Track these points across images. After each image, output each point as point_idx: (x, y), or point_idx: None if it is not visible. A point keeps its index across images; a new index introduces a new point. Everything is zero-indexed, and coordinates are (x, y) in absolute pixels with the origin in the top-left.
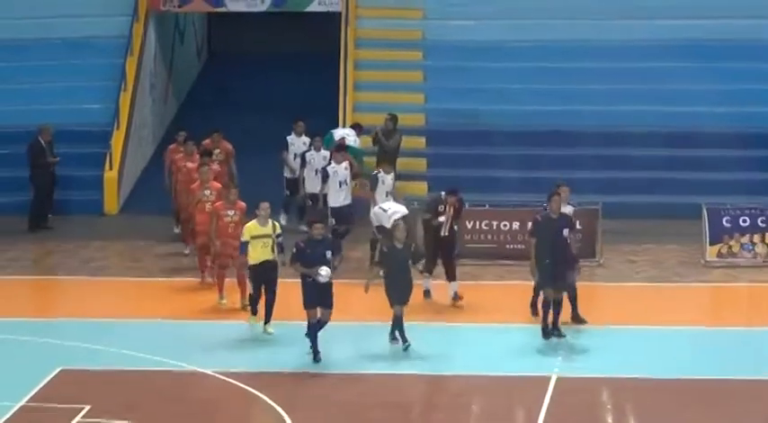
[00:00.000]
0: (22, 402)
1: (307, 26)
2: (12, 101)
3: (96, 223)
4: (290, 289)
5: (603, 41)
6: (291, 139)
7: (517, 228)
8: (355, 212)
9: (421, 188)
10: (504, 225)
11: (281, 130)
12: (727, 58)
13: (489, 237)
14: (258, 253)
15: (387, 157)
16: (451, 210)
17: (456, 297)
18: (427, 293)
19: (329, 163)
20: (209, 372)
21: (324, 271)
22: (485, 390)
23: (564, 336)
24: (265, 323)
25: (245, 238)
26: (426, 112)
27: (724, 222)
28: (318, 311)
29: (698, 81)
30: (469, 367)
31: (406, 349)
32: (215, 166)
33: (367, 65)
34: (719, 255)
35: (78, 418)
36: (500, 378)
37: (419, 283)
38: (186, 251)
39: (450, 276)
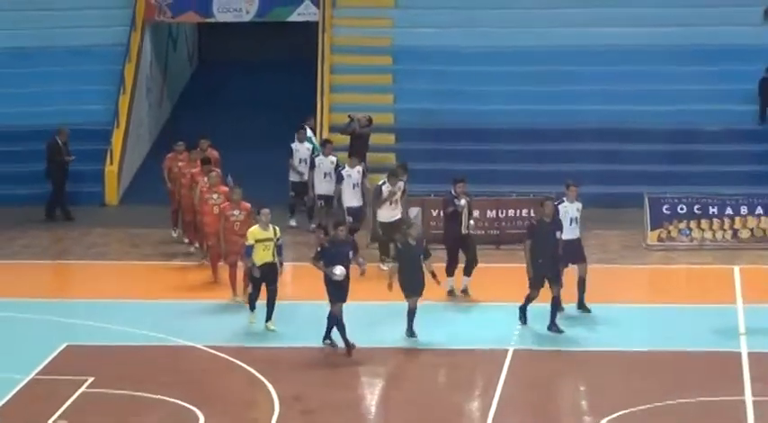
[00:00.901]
0: (32, 375)
1: (287, 34)
2: (22, 103)
3: (98, 213)
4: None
5: (553, 47)
6: (295, 145)
7: (477, 215)
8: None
9: None
10: (476, 212)
11: (265, 129)
12: (671, 62)
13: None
14: (260, 255)
15: (355, 150)
16: (465, 197)
17: (466, 291)
18: (451, 292)
19: (343, 167)
20: (200, 346)
21: (338, 270)
22: (450, 362)
23: (562, 331)
24: (267, 320)
25: (249, 242)
26: (395, 112)
27: (664, 210)
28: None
29: (640, 83)
30: (437, 342)
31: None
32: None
33: (342, 69)
34: (659, 239)
35: (83, 388)
36: (462, 351)
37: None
38: (174, 234)
39: (467, 271)
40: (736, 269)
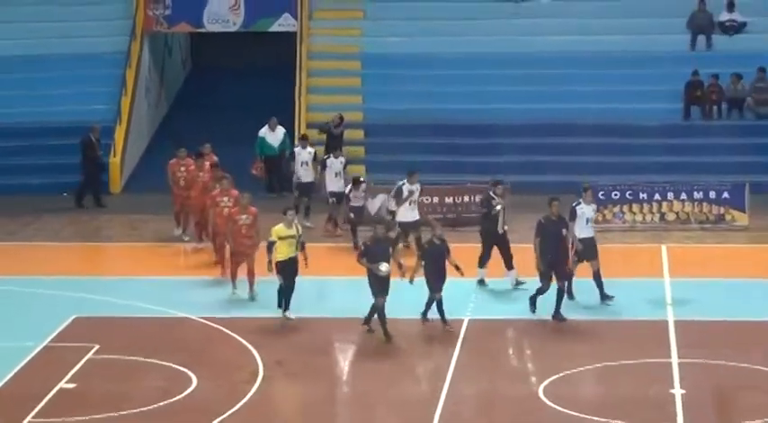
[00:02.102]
0: (44, 343)
1: (269, 43)
2: (35, 103)
3: (104, 200)
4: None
5: (506, 52)
6: (298, 150)
7: (437, 202)
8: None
9: (360, 170)
10: (427, 199)
11: (251, 126)
12: (609, 66)
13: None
14: (285, 251)
15: (334, 144)
16: (504, 196)
17: (517, 283)
18: (482, 282)
19: (328, 156)
20: (194, 317)
21: (383, 267)
22: (414, 331)
23: (565, 320)
24: (285, 310)
25: (272, 238)
26: (364, 111)
27: (600, 196)
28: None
29: (583, 84)
30: (404, 314)
31: (447, 327)
32: (207, 176)
33: (317, 73)
34: (596, 222)
35: (89, 355)
36: (417, 320)
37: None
38: (177, 232)
39: (509, 265)
40: (664, 248)
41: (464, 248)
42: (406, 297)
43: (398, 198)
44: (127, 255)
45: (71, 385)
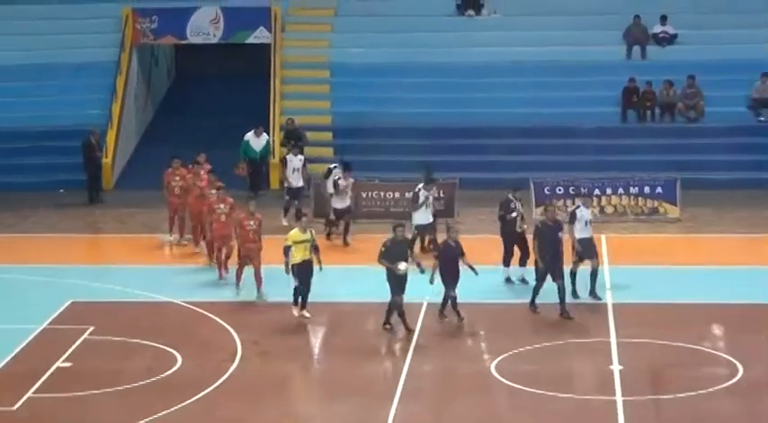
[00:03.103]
0: (44, 326)
1: (246, 53)
2: (35, 108)
3: (102, 196)
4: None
5: (460, 63)
6: (290, 157)
7: (398, 196)
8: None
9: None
10: (389, 194)
11: (231, 129)
12: (554, 75)
13: (378, 203)
14: (300, 254)
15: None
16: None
17: (522, 281)
18: (508, 280)
19: (338, 177)
20: (179, 302)
21: (402, 266)
22: (380, 313)
23: (572, 318)
24: (303, 308)
25: (288, 243)
26: (332, 115)
27: (545, 191)
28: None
29: (530, 90)
30: (370, 298)
31: (461, 321)
32: (203, 183)
33: (289, 81)
34: (542, 214)
35: (85, 336)
36: (379, 304)
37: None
38: (170, 237)
39: (523, 263)
40: (603, 237)
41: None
42: (368, 284)
43: (415, 203)
44: (118, 245)
45: (68, 364)
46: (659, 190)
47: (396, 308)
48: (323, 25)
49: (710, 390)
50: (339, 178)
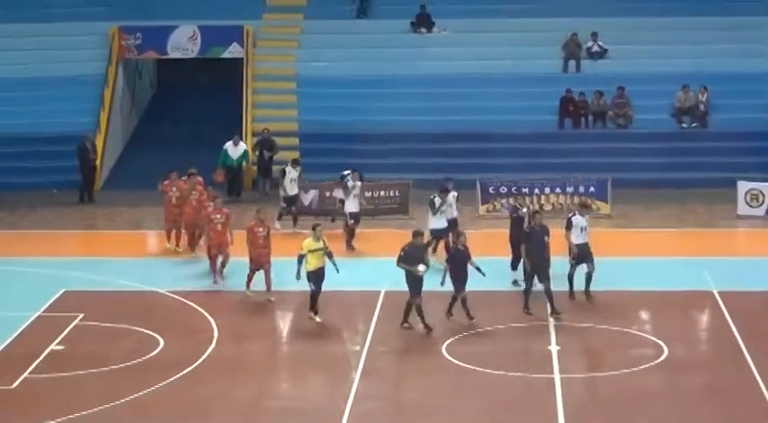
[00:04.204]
0: (38, 313)
1: (221, 66)
2: (30, 116)
3: (94, 196)
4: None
5: (415, 75)
6: (288, 169)
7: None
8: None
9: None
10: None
11: (207, 135)
12: (499, 85)
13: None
14: (315, 261)
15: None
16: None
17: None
18: (515, 283)
19: (348, 180)
20: (162, 291)
21: (422, 268)
22: (341, 300)
23: (560, 315)
24: (315, 313)
25: (303, 251)
26: (298, 122)
27: (490, 190)
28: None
29: (478, 100)
30: (334, 286)
31: (472, 321)
32: (199, 194)
33: (260, 91)
34: (488, 211)
35: (76, 322)
36: (350, 292)
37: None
38: (169, 246)
39: (515, 266)
40: None
41: (381, 233)
42: (334, 274)
43: (432, 208)
44: (107, 240)
45: (61, 347)
46: (592, 189)
47: (415, 308)
48: (290, 42)
49: (639, 368)
50: (346, 181)
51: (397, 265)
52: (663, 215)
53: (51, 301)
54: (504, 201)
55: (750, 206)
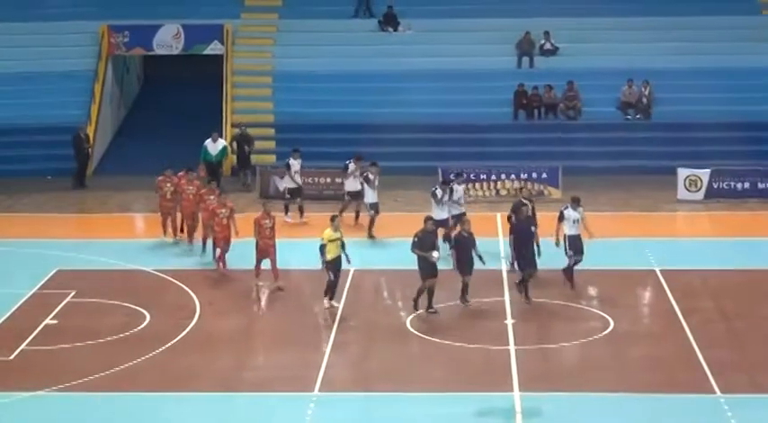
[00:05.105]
0: (33, 290)
1: (203, 62)
2: (26, 109)
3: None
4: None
5: (380, 70)
6: (292, 162)
7: (329, 181)
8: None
9: (271, 159)
10: (322, 179)
11: (190, 126)
12: (457, 80)
13: (312, 187)
14: (334, 251)
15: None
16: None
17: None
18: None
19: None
20: (149, 269)
21: (435, 254)
22: (314, 278)
23: (530, 302)
24: (332, 299)
25: (323, 241)
26: (274, 114)
27: (450, 177)
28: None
29: (437, 94)
30: (307, 266)
31: (466, 304)
32: (196, 189)
33: (239, 85)
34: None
35: (68, 298)
36: (315, 271)
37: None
38: (165, 238)
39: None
40: (498, 215)
41: (349, 217)
42: (310, 256)
43: (435, 199)
44: (97, 222)
45: (54, 321)
46: (544, 175)
47: (427, 291)
48: (267, 39)
49: (587, 340)
50: (366, 173)
51: (412, 250)
52: (609, 200)
53: (46, 279)
54: (463, 186)
55: (689, 191)
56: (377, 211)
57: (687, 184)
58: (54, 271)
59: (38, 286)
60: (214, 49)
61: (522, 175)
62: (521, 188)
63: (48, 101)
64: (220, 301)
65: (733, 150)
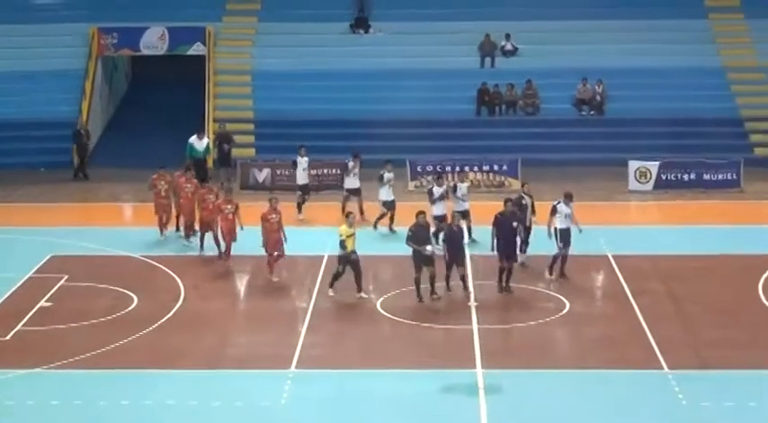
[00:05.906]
0: (28, 275)
1: (187, 62)
2: (20, 105)
3: (70, 173)
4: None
5: (354, 69)
6: (299, 159)
7: (314, 173)
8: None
9: (250, 152)
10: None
11: (175, 122)
12: (421, 78)
13: (288, 179)
14: (351, 245)
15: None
16: (529, 195)
17: (524, 264)
18: (523, 265)
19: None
20: (136, 255)
21: (429, 248)
22: (291, 263)
23: (512, 292)
24: (359, 291)
25: (342, 237)
26: (253, 111)
27: (418, 169)
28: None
29: (405, 91)
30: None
31: (469, 297)
32: (194, 187)
33: (220, 84)
34: (416, 187)
35: (61, 282)
36: (299, 256)
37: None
38: (161, 237)
39: (522, 249)
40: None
41: (323, 205)
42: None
43: (431, 196)
44: (88, 212)
45: (48, 304)
46: (505, 168)
47: (429, 278)
48: (246, 41)
49: (545, 320)
50: (384, 172)
51: (406, 243)
52: (565, 189)
53: (40, 264)
54: (429, 178)
55: (639, 182)
56: (389, 208)
57: (637, 176)
58: (48, 257)
59: (32, 271)
60: (197, 49)
61: (484, 167)
62: (523, 184)
63: (41, 98)
64: (204, 284)
65: (680, 144)
